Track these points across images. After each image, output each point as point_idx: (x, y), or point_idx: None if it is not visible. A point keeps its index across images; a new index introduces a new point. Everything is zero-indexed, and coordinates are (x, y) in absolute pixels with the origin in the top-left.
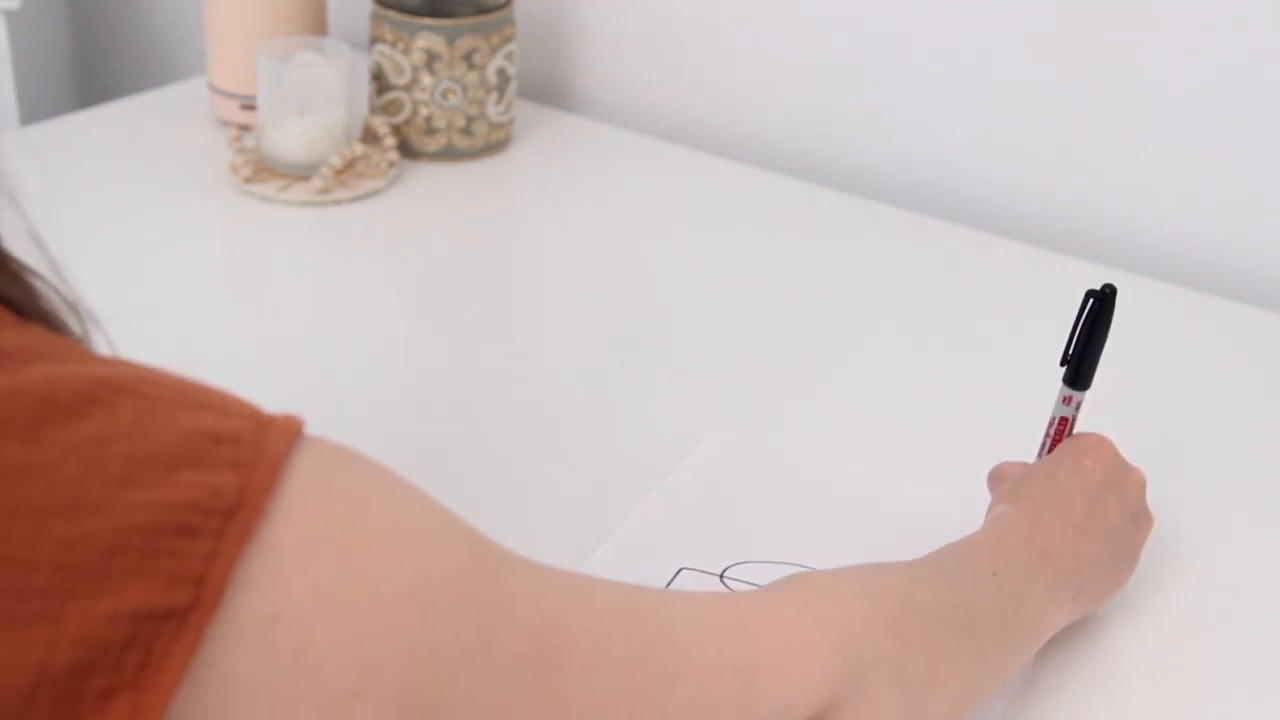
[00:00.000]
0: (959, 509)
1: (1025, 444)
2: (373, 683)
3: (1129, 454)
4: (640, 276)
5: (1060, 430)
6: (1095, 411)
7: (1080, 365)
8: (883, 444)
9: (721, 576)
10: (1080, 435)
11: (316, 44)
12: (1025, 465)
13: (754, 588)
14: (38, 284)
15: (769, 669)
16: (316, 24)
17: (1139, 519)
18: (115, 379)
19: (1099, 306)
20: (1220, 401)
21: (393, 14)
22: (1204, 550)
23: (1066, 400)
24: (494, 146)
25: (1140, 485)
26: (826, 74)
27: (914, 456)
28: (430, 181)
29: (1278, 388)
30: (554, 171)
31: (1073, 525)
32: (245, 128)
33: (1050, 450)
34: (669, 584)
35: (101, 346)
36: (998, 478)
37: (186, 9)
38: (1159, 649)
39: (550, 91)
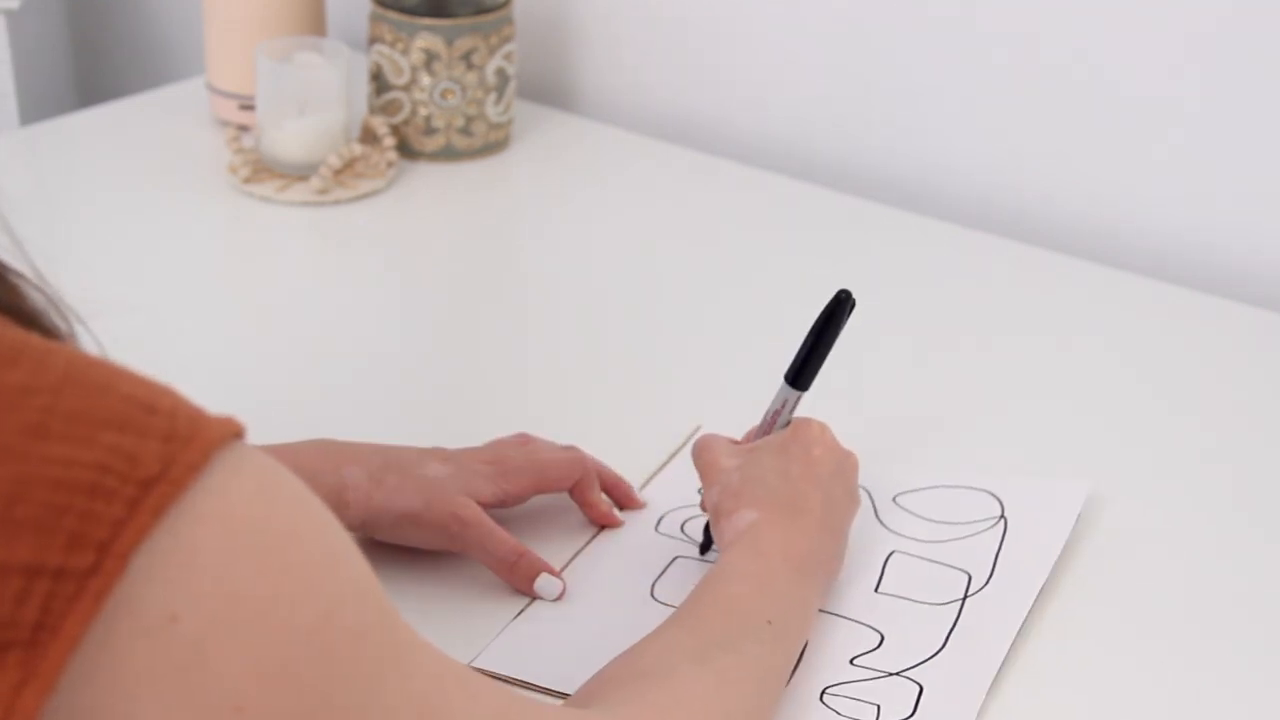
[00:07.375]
0: (947, 502)
1: (1017, 444)
2: (259, 706)
3: (1129, 455)
4: (639, 276)
5: (775, 416)
6: (1092, 411)
7: (804, 366)
8: (877, 442)
9: None
10: (802, 422)
11: (316, 44)
12: (733, 442)
13: None
14: (21, 284)
15: None
16: (316, 24)
17: (855, 501)
18: (53, 345)
19: (830, 312)
20: (1220, 401)
21: (392, 14)
22: (1206, 550)
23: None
24: (493, 147)
25: (855, 468)
26: (828, 74)
27: (908, 454)
28: (429, 182)
29: (1278, 388)
30: (553, 171)
31: (816, 527)
32: (244, 128)
33: (767, 430)
34: (663, 573)
35: (89, 345)
36: (705, 451)
37: (186, 9)
38: (1155, 651)
39: (549, 91)
